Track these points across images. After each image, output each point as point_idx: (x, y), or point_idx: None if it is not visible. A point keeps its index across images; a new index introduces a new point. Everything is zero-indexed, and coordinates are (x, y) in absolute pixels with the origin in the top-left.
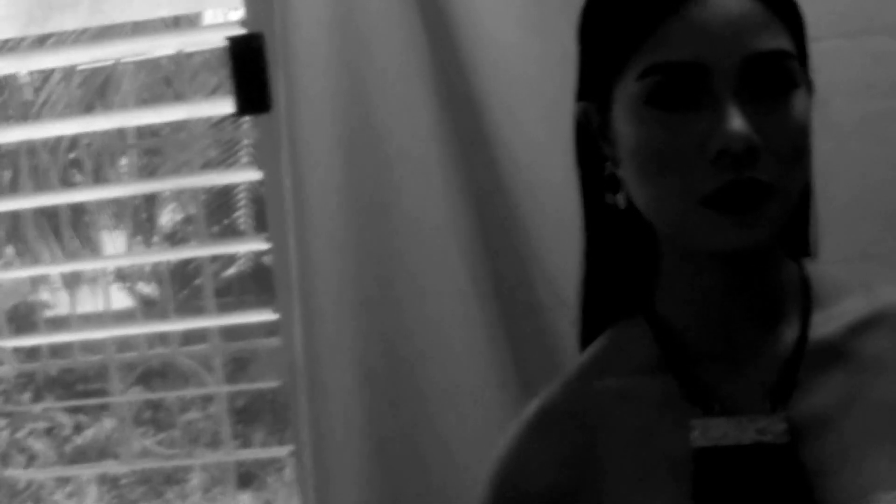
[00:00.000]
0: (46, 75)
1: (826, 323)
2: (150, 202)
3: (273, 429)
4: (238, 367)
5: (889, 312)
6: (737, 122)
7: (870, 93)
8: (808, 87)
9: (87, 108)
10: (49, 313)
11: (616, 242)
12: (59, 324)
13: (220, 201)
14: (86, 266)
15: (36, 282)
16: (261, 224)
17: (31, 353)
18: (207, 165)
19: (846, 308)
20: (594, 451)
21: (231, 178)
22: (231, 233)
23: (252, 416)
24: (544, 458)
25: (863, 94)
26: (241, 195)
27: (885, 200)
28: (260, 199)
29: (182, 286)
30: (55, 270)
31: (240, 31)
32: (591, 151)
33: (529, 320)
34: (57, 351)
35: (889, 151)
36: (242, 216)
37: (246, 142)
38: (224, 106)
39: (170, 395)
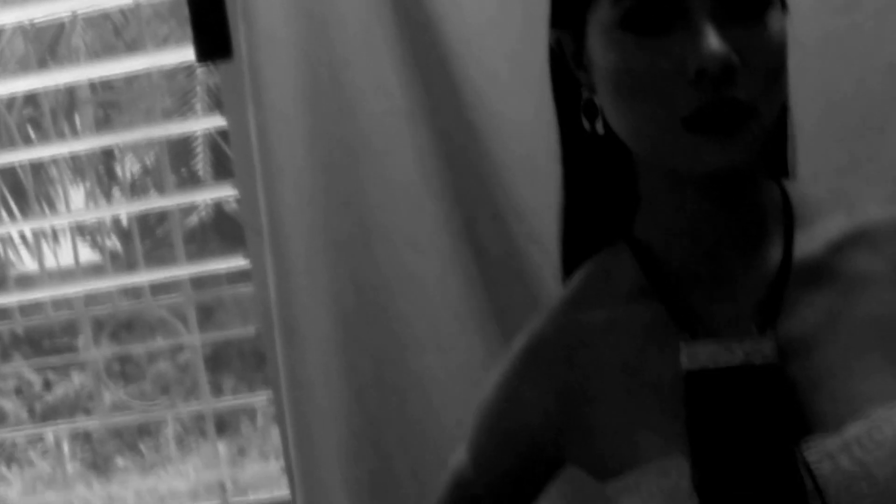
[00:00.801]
0: None
1: (809, 242)
2: (108, 155)
3: (243, 376)
4: (204, 315)
5: (870, 228)
6: (714, 41)
7: (829, 9)
8: (783, 5)
9: (40, 63)
10: (13, 272)
11: (595, 170)
12: (24, 282)
13: (178, 150)
14: (54, 222)
15: None
16: (219, 171)
17: None
18: (164, 115)
19: (828, 226)
20: (584, 384)
21: (194, 126)
22: (191, 181)
23: (221, 364)
24: (535, 394)
25: (823, 10)
26: (199, 143)
27: (848, 116)
28: (217, 146)
29: (143, 237)
30: (22, 228)
31: None
32: (566, 79)
33: (504, 258)
34: (25, 309)
35: (851, 67)
36: (201, 164)
37: (199, 90)
38: (184, 54)
39: (142, 347)
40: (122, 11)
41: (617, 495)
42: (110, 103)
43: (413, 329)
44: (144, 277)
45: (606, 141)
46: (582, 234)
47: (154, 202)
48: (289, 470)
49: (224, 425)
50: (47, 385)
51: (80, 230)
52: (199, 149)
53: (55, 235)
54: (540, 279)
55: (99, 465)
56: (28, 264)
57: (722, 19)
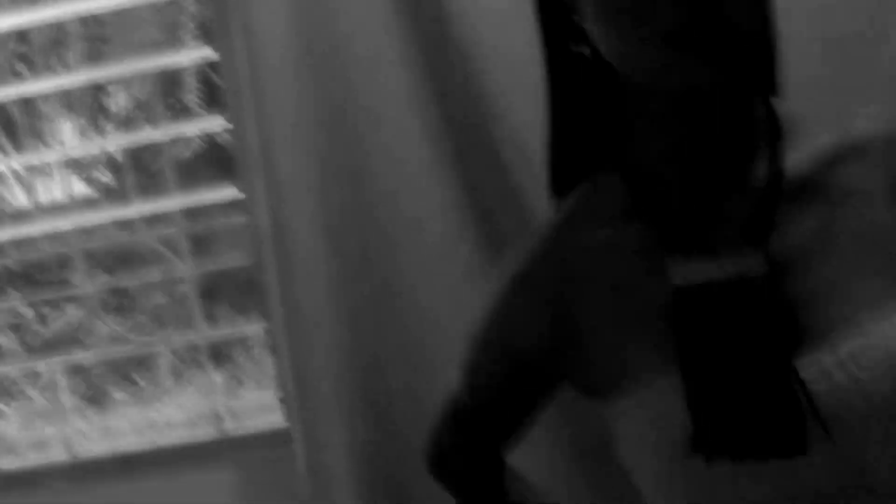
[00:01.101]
0: None
1: (798, 158)
2: (98, 89)
3: (239, 307)
4: (198, 248)
5: (860, 143)
6: None
7: None
8: None
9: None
10: (7, 207)
11: (581, 93)
12: (17, 217)
13: (168, 83)
14: (46, 157)
15: None
16: (212, 103)
17: None
18: (153, 48)
19: (817, 142)
20: (578, 304)
21: (184, 58)
22: (183, 114)
23: (216, 295)
24: (527, 314)
25: None
26: (189, 75)
27: (841, 30)
28: (208, 79)
29: (136, 171)
30: (14, 164)
31: None
32: (550, 1)
33: (496, 180)
34: (18, 244)
35: None
36: (191, 96)
37: (188, 22)
38: None
39: (138, 281)
40: None
41: (614, 420)
42: (100, 37)
43: (407, 252)
44: (136, 210)
45: (592, 63)
46: (570, 159)
47: (145, 135)
48: (285, 398)
49: (220, 357)
50: (42, 319)
51: (73, 165)
52: (190, 81)
53: (48, 170)
54: (531, 202)
55: (95, 398)
56: (21, 200)
57: None
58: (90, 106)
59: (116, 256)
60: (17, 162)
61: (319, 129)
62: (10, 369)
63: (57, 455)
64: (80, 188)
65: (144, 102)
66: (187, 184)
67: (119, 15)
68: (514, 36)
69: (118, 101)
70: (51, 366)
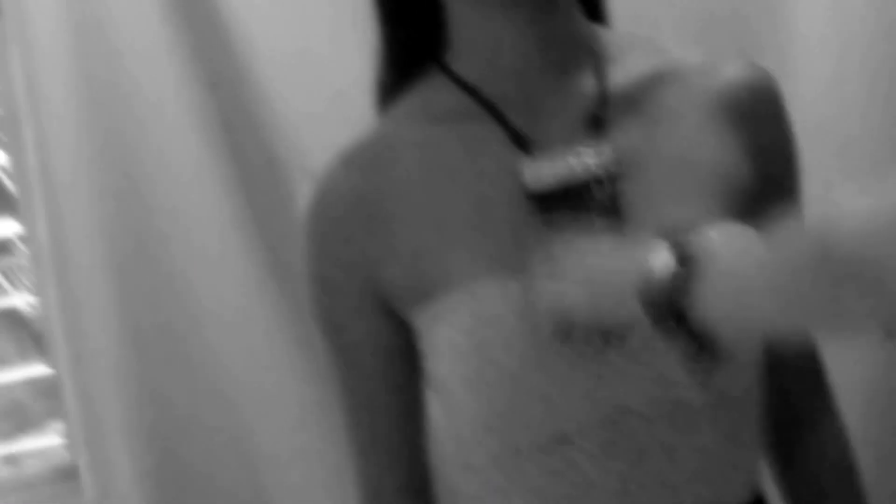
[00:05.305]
0: None
1: (622, 74)
2: None
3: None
4: None
5: (681, 69)
6: None
7: None
8: None
9: None
10: None
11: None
12: None
13: None
14: None
15: None
16: None
17: None
18: None
19: (639, 62)
20: (388, 213)
21: None
22: None
23: None
24: (341, 266)
25: None
26: None
27: None
28: None
29: None
30: None
31: None
32: None
33: (273, 192)
34: None
35: None
36: None
37: None
38: None
39: None
40: None
41: (428, 325)
42: None
43: (190, 270)
44: None
45: None
46: (394, 70)
47: None
48: (70, 433)
49: None
50: None
51: None
52: None
53: None
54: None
55: None
56: None
57: None
58: None
59: None
60: None
61: (100, 150)
62: None
63: None
64: None
65: None
66: None
67: None
68: (287, 30)
69: None
70: None
